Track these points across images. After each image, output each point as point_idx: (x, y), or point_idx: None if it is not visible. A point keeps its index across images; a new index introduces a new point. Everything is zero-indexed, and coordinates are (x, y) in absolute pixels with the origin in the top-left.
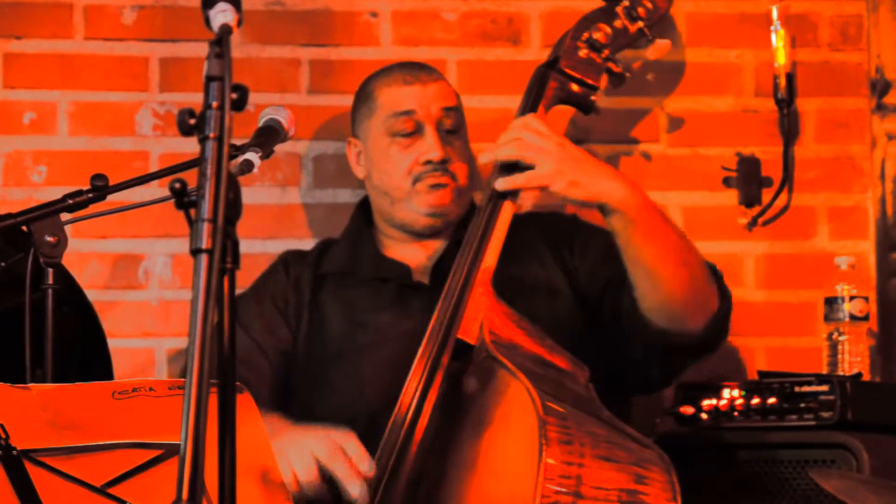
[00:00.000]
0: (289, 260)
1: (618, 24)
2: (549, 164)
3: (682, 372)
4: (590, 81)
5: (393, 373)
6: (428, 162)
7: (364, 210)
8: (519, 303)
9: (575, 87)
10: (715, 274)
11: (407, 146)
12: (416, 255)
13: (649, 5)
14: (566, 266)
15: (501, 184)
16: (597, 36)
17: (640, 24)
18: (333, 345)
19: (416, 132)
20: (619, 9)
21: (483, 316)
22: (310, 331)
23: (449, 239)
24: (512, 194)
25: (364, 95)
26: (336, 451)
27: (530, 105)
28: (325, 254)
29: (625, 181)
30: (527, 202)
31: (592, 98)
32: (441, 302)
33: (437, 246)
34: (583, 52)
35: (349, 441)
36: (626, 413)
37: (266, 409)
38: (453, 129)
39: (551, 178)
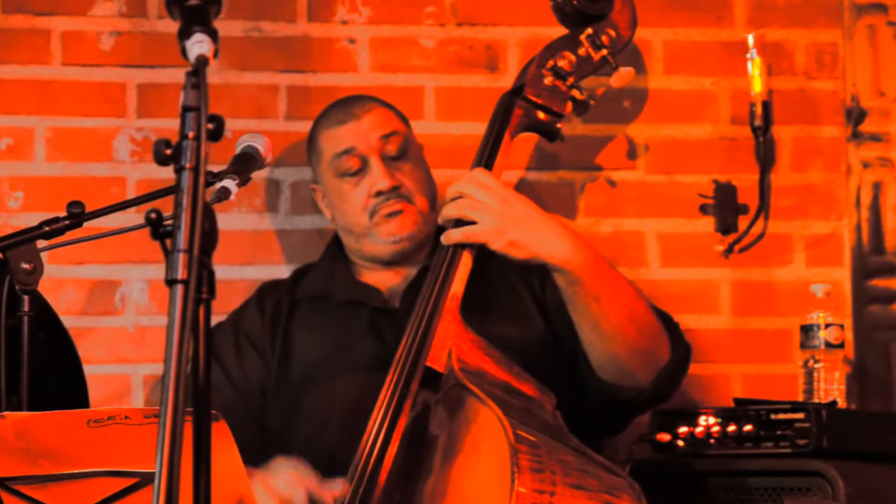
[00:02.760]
0: (265, 292)
1: (582, 51)
2: (490, 221)
3: (630, 422)
4: (555, 109)
5: (364, 398)
6: (379, 193)
7: (339, 241)
8: (491, 328)
9: (541, 115)
10: (669, 325)
11: (356, 184)
12: (389, 280)
13: (613, 33)
14: (536, 297)
15: (445, 238)
16: (561, 63)
17: (604, 51)
18: (306, 369)
19: (363, 168)
20: (582, 37)
21: (451, 343)
22: (284, 356)
23: (421, 263)
24: None
25: (310, 143)
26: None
27: (496, 132)
28: (302, 279)
29: (571, 239)
30: None
31: (558, 125)
32: (409, 329)
33: (409, 272)
34: (548, 80)
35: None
36: (599, 440)
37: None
38: (399, 154)
39: (489, 237)
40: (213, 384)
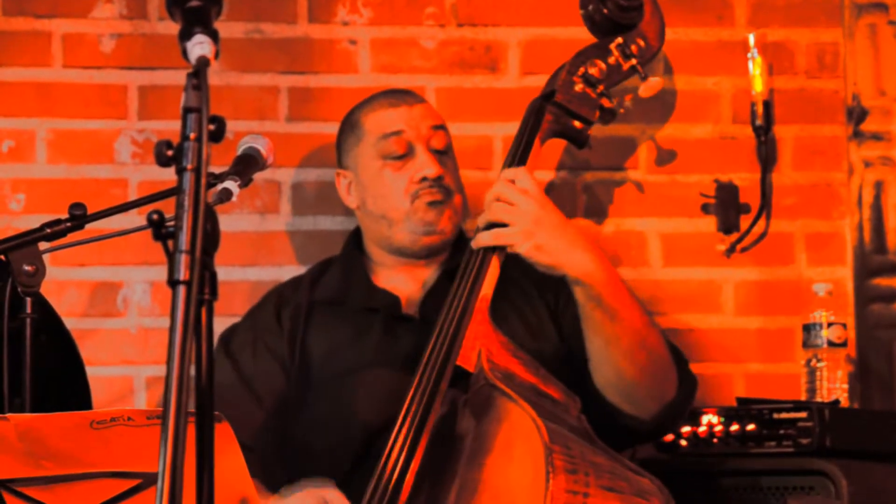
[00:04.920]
0: (283, 295)
1: (611, 60)
2: (521, 225)
3: (630, 447)
4: (585, 115)
5: (382, 403)
6: (423, 179)
7: (356, 238)
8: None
9: (571, 121)
10: (679, 361)
11: (399, 168)
12: (406, 285)
13: (642, 43)
14: (550, 310)
15: (475, 242)
16: (592, 71)
17: (634, 61)
18: (322, 374)
19: (408, 153)
20: (612, 46)
21: (480, 344)
22: (302, 364)
23: (440, 268)
24: None
25: (350, 125)
26: None
27: (526, 137)
28: (320, 279)
29: (595, 255)
30: None
31: (588, 132)
32: (439, 329)
33: (427, 276)
34: (578, 87)
35: (334, 495)
36: None
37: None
38: (444, 149)
39: (517, 239)
40: (230, 388)
